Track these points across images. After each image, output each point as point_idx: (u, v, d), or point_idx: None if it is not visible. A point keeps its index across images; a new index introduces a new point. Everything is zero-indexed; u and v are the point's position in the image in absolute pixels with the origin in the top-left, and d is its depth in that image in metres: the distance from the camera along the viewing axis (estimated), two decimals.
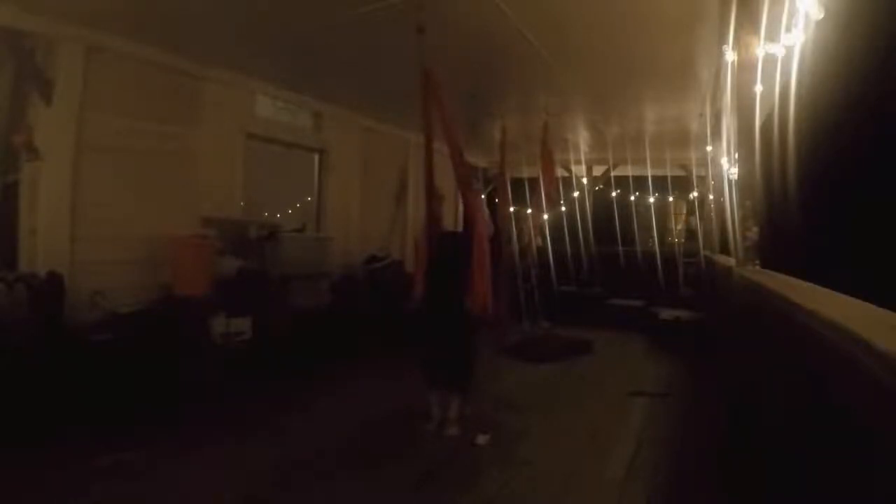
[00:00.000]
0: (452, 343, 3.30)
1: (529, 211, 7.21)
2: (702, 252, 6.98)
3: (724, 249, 4.29)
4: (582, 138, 7.31)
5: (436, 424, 3.32)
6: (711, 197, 5.84)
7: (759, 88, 2.47)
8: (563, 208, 7.85)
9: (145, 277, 4.00)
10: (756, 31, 2.46)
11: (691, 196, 7.94)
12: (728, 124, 3.43)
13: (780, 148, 2.33)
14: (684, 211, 8.86)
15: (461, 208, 3.50)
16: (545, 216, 6.84)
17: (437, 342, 3.36)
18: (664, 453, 3.04)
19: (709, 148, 5.24)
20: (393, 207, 7.21)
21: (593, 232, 8.14)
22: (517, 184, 7.59)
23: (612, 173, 8.35)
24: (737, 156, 2.93)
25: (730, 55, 2.81)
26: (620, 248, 8.04)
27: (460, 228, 3.43)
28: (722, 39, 2.91)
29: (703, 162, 6.48)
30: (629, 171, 8.26)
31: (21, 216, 3.77)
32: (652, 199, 7.98)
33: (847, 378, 0.96)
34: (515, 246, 6.95)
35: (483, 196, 3.57)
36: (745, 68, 2.60)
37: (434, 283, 3.34)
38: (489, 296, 3.25)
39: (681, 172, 7.91)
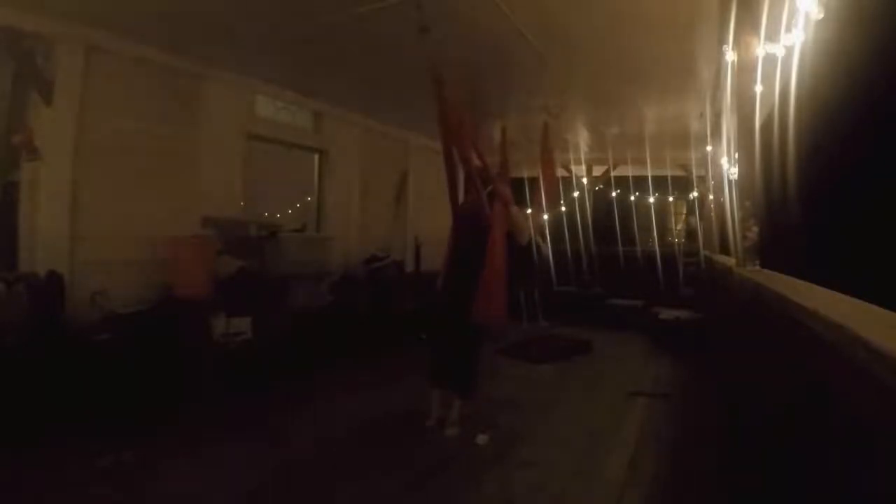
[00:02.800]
0: (455, 344, 3.30)
1: (529, 211, 7.20)
2: (702, 252, 6.98)
3: (724, 249, 4.29)
4: (582, 138, 7.31)
5: (435, 422, 3.33)
6: (711, 197, 5.84)
7: (759, 88, 2.47)
8: (564, 208, 7.85)
9: (145, 277, 4.00)
10: (756, 31, 2.46)
11: (691, 196, 7.94)
12: (728, 124, 3.43)
13: (780, 148, 2.33)
14: (684, 211, 8.86)
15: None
16: (545, 216, 6.84)
17: (442, 341, 3.37)
18: (664, 453, 3.04)
19: (709, 148, 5.24)
20: (393, 207, 7.21)
21: (593, 232, 8.14)
22: (517, 184, 7.57)
23: (612, 173, 8.34)
24: (737, 156, 2.93)
25: (730, 55, 2.81)
26: (620, 248, 8.04)
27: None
28: (722, 39, 2.91)
29: (703, 162, 6.48)
30: (629, 171, 8.26)
31: (21, 216, 3.77)
32: (652, 199, 7.98)
33: (847, 378, 0.96)
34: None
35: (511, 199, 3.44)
36: (745, 68, 2.60)
37: (448, 280, 3.35)
38: (498, 305, 3.22)
39: (681, 172, 7.91)
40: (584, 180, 8.69)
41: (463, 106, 3.21)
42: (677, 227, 9.02)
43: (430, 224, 7.18)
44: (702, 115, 5.31)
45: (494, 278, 3.18)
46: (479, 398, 3.45)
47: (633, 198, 8.32)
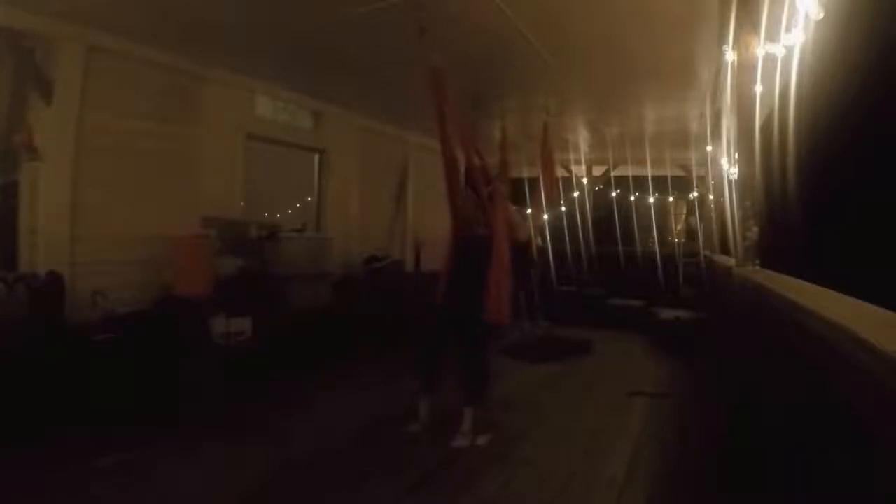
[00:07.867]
0: (468, 349, 3.29)
1: (529, 211, 7.21)
2: (702, 252, 6.98)
3: (724, 249, 4.29)
4: (582, 138, 7.31)
5: (422, 427, 3.28)
6: (711, 197, 5.84)
7: (759, 88, 2.47)
8: (563, 208, 7.85)
9: (145, 277, 4.00)
10: (756, 31, 2.46)
11: (691, 196, 7.94)
12: (728, 124, 3.43)
13: (780, 148, 2.33)
14: (684, 211, 8.86)
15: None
16: (545, 216, 6.84)
17: (447, 346, 3.35)
18: (664, 453, 3.04)
19: (709, 148, 5.24)
20: (393, 207, 7.21)
21: (593, 232, 8.14)
22: (517, 184, 7.57)
23: (612, 173, 8.35)
24: (737, 156, 2.93)
25: (730, 55, 2.81)
26: (620, 248, 8.04)
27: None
28: (722, 39, 2.91)
29: (703, 162, 6.48)
30: (629, 171, 8.26)
31: (21, 216, 3.77)
32: (652, 199, 7.98)
33: (847, 378, 0.96)
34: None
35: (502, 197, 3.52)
36: (745, 68, 2.60)
37: (453, 286, 3.33)
38: (505, 304, 3.23)
39: (681, 172, 7.92)
40: (584, 180, 8.69)
41: (458, 104, 3.20)
42: (677, 227, 9.02)
43: (430, 224, 7.17)
44: (702, 115, 5.31)
45: (503, 276, 3.17)
46: (489, 401, 3.43)
47: (633, 198, 8.32)
